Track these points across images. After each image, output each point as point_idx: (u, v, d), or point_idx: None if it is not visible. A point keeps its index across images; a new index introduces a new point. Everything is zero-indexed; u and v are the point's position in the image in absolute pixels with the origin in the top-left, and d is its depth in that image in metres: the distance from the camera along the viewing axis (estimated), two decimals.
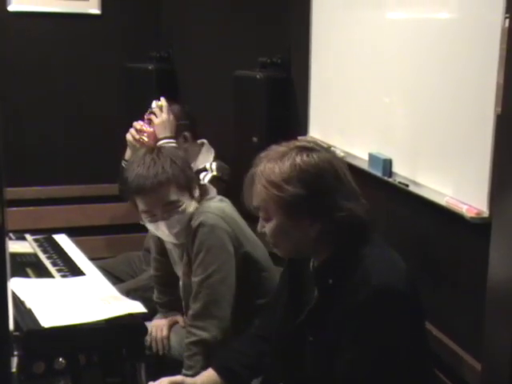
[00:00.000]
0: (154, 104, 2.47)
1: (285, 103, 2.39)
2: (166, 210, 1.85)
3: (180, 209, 1.86)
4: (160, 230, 1.90)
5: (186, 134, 2.52)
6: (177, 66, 3.19)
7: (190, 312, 1.87)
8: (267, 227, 1.43)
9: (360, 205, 1.41)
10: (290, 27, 2.36)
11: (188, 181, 1.89)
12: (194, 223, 1.85)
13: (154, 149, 1.91)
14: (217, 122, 2.80)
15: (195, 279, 1.86)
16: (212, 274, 1.83)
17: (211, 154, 2.55)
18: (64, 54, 3.17)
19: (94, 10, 3.16)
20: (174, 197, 1.85)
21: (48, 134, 3.21)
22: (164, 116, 2.42)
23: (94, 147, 3.26)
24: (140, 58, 3.13)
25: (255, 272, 1.94)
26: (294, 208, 1.37)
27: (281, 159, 1.38)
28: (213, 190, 2.00)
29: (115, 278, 2.50)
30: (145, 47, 3.17)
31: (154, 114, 2.43)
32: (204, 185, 2.04)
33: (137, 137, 2.43)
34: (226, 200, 1.96)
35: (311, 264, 1.49)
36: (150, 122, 2.44)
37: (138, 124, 2.45)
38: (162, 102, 2.46)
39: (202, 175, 2.36)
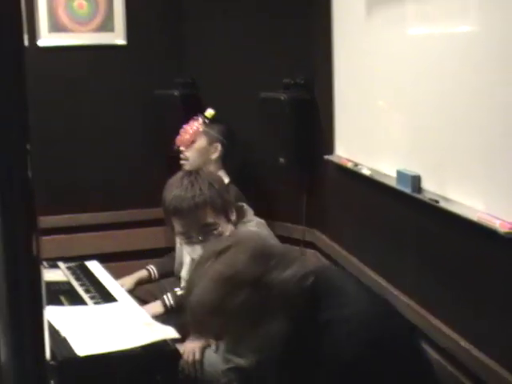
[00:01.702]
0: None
1: (310, 123, 2.39)
2: (202, 232, 1.86)
3: (216, 232, 1.87)
4: (196, 253, 1.91)
5: (218, 145, 2.56)
6: (201, 91, 3.22)
7: None
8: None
9: (301, 261, 1.32)
10: (312, 48, 2.37)
11: (225, 204, 1.90)
12: None
13: (192, 171, 1.94)
14: (242, 143, 2.81)
15: None
16: None
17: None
18: (92, 84, 3.23)
19: (120, 40, 3.22)
20: (210, 219, 1.86)
21: (77, 163, 3.26)
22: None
23: (123, 174, 3.30)
24: (165, 85, 3.17)
25: None
26: (251, 312, 1.24)
27: (201, 279, 1.26)
28: (250, 212, 2.00)
29: (147, 303, 2.50)
30: (170, 74, 3.20)
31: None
32: (242, 206, 2.04)
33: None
34: (263, 222, 1.96)
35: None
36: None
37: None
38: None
39: None
